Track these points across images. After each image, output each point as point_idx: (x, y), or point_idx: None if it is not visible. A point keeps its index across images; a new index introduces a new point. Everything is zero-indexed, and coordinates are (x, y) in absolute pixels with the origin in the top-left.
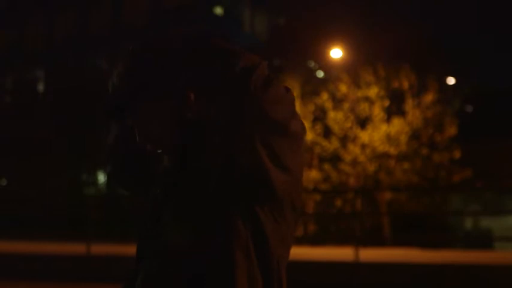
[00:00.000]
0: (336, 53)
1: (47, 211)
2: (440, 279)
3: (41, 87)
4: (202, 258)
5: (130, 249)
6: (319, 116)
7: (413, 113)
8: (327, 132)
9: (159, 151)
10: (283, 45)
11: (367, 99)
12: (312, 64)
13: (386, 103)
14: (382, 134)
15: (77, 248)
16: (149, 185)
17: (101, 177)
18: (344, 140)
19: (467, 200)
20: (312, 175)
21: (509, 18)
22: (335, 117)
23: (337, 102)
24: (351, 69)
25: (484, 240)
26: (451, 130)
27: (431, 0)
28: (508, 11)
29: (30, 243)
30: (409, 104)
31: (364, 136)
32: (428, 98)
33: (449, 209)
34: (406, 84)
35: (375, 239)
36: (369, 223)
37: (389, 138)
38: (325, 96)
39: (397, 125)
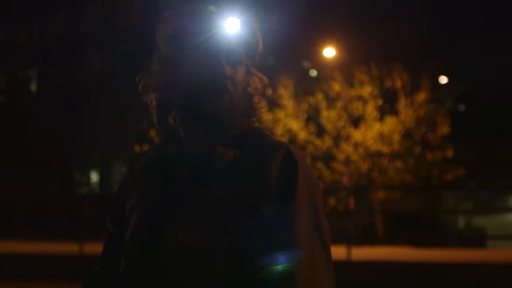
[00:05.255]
0: (329, 52)
1: (40, 211)
2: (433, 278)
3: (33, 87)
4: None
5: None
6: (313, 115)
7: (406, 112)
8: (320, 131)
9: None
10: (277, 44)
11: (360, 98)
12: (306, 63)
13: (379, 102)
14: (375, 132)
15: (70, 248)
16: None
17: (94, 177)
18: (337, 138)
19: (460, 199)
20: None
21: (504, 17)
22: (328, 116)
23: (331, 101)
24: (344, 68)
25: (476, 238)
26: (444, 129)
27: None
28: (503, 10)
29: (22, 242)
30: (401, 103)
31: (357, 135)
32: (421, 97)
33: (442, 208)
34: (399, 83)
35: (368, 238)
36: (362, 222)
37: (382, 137)
38: (320, 96)
39: (390, 123)
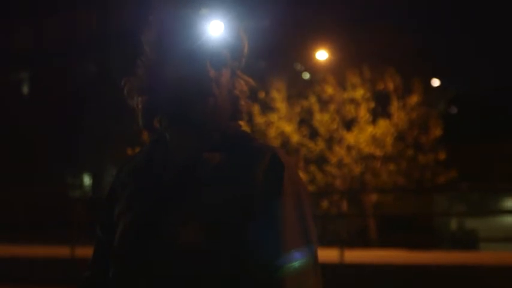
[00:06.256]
0: (322, 54)
1: (32, 213)
2: (425, 280)
3: (26, 89)
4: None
5: None
6: (305, 118)
7: (399, 115)
8: (313, 134)
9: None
10: (269, 47)
11: (353, 101)
12: (298, 66)
13: (372, 105)
14: (368, 135)
15: (61, 251)
16: None
17: (87, 180)
18: (330, 141)
19: (452, 201)
20: None
21: (497, 18)
22: (321, 119)
23: (323, 104)
24: (337, 71)
25: (469, 241)
26: (436, 131)
27: (416, 3)
28: (497, 12)
29: (14, 245)
30: (394, 106)
31: (350, 138)
32: (413, 99)
33: (434, 210)
34: (391, 86)
35: (361, 241)
36: (355, 224)
37: (374, 140)
38: (312, 99)
39: (382, 126)
